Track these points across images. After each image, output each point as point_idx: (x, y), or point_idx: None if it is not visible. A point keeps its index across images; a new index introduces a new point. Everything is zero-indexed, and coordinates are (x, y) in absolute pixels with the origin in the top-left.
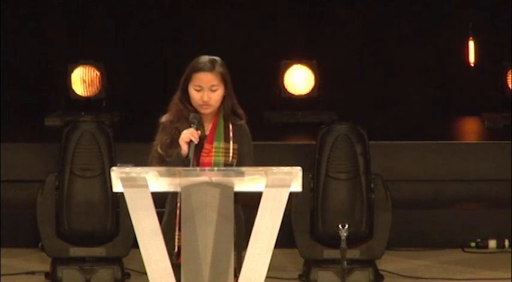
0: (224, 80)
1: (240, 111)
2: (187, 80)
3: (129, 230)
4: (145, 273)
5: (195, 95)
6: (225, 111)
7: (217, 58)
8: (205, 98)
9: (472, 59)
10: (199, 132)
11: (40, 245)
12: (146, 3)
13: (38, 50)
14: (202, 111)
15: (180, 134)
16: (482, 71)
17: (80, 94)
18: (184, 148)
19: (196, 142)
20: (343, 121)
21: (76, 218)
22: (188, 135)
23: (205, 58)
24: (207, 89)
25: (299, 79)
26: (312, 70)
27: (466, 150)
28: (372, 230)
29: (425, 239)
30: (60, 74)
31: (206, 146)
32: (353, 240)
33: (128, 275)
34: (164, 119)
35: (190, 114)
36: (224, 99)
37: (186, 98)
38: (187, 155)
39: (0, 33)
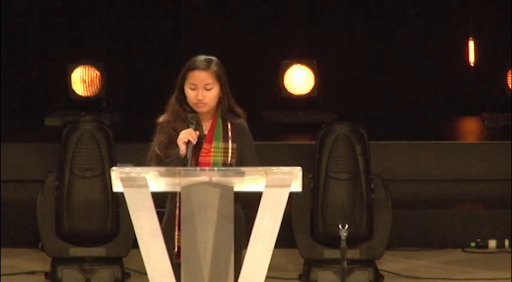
0: (219, 79)
1: (239, 109)
2: (183, 79)
3: (129, 230)
4: (145, 273)
5: (190, 93)
6: (222, 111)
7: (213, 57)
8: (200, 97)
9: (472, 59)
10: (197, 132)
11: (40, 245)
12: (146, 3)
13: (38, 50)
14: (197, 109)
15: (177, 133)
16: (482, 71)
17: (80, 94)
18: (182, 148)
19: (194, 142)
20: (343, 121)
21: (76, 218)
22: (186, 135)
23: (201, 57)
24: (201, 88)
25: (299, 79)
26: (312, 70)
27: (466, 150)
28: (372, 230)
29: (425, 239)
30: (60, 74)
31: (205, 145)
32: (353, 240)
33: (128, 275)
34: (161, 119)
35: (187, 115)
36: (220, 98)
37: (182, 98)
38: (186, 156)
39: (0, 33)
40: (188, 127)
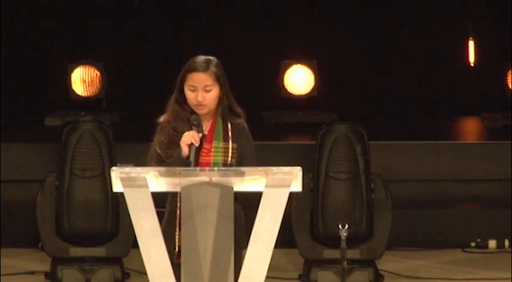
0: (219, 80)
1: (239, 109)
2: (183, 81)
3: (129, 230)
4: (145, 273)
5: (189, 95)
6: (223, 111)
7: (212, 58)
8: (199, 98)
9: (472, 59)
10: (200, 134)
11: (40, 245)
12: (146, 3)
13: (38, 50)
14: (198, 111)
15: (177, 133)
16: (482, 71)
17: (80, 94)
18: (185, 150)
19: (197, 145)
20: (343, 121)
21: (76, 218)
22: (189, 137)
23: (200, 58)
24: (201, 89)
25: (299, 79)
26: (312, 70)
27: (466, 150)
28: (372, 230)
29: (425, 239)
30: (60, 74)
31: (205, 145)
32: (353, 240)
33: (128, 275)
34: (162, 119)
35: (187, 114)
36: (220, 99)
37: (182, 98)
38: (188, 158)
39: (0, 33)
40: (189, 128)
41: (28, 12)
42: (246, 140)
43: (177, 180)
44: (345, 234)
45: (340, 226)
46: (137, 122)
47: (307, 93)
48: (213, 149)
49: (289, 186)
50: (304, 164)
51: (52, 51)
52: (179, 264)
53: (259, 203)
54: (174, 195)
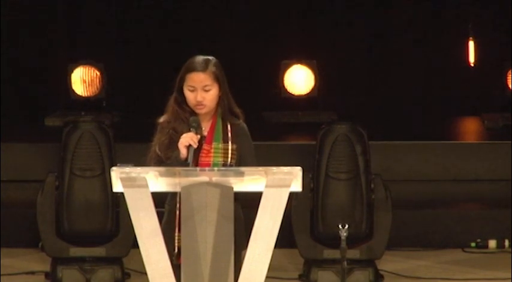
0: (218, 80)
1: (237, 110)
2: (182, 81)
3: (129, 230)
4: (145, 273)
5: (189, 95)
6: (223, 111)
7: (211, 58)
8: (199, 98)
9: (472, 59)
10: (198, 136)
11: (40, 245)
12: (146, 3)
13: (38, 50)
14: (197, 111)
15: (177, 134)
16: (482, 71)
17: (80, 94)
18: (183, 152)
19: (195, 146)
20: (343, 121)
21: (76, 218)
22: (187, 139)
23: (199, 58)
24: (200, 89)
25: (299, 79)
26: (312, 70)
27: (466, 150)
28: (372, 230)
29: (425, 239)
30: (60, 74)
31: (205, 146)
32: (353, 240)
33: (128, 275)
34: (161, 119)
35: (187, 115)
36: (220, 98)
37: (182, 98)
38: (186, 159)
39: (0, 33)
40: (189, 129)
41: (28, 12)
42: (245, 141)
43: (177, 180)
44: (345, 234)
45: (340, 226)
46: (137, 122)
47: (307, 93)
48: (212, 150)
49: (289, 186)
50: (304, 164)
51: (52, 51)
52: (179, 265)
53: (259, 203)
54: (173, 195)
